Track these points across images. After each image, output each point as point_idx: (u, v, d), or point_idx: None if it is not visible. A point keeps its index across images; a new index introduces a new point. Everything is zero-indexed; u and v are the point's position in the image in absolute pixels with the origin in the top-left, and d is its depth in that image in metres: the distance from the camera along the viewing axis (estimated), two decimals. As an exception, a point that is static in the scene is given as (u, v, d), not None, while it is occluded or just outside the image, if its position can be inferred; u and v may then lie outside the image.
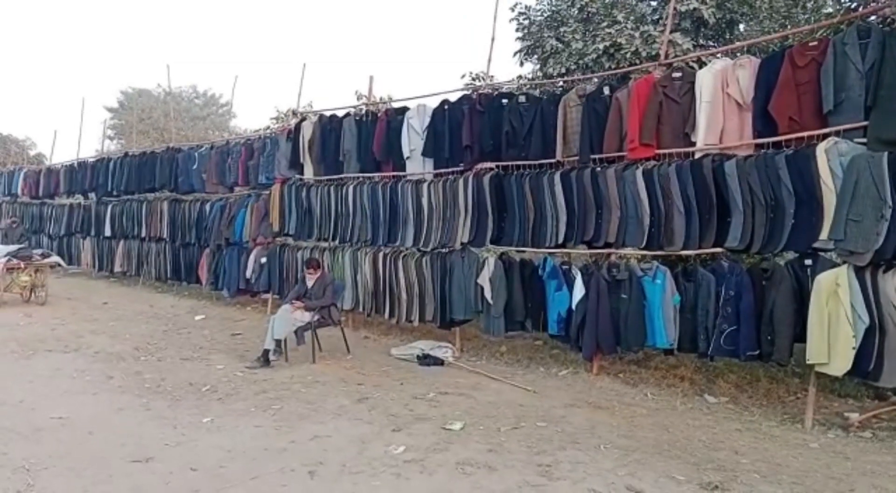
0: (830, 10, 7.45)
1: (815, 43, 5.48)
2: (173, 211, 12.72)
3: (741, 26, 9.39)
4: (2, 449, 4.59)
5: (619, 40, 8.24)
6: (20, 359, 7.37)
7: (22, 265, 11.04)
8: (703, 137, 6.07)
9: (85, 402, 5.80)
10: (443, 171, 8.13)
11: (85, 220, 15.54)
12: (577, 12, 9.63)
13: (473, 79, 10.34)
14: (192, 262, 12.24)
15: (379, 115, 8.91)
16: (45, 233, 16.82)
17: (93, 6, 58.82)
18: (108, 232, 14.53)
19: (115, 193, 14.33)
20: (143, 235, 13.48)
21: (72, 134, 31.55)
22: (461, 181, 7.77)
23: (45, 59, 56.16)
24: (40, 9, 57.00)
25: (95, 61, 56.47)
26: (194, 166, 12.17)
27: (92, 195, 15.36)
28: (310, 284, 7.68)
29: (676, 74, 6.33)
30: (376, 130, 8.77)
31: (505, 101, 7.56)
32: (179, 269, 12.67)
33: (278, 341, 7.19)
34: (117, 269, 14.42)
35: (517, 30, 10.14)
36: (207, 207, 11.88)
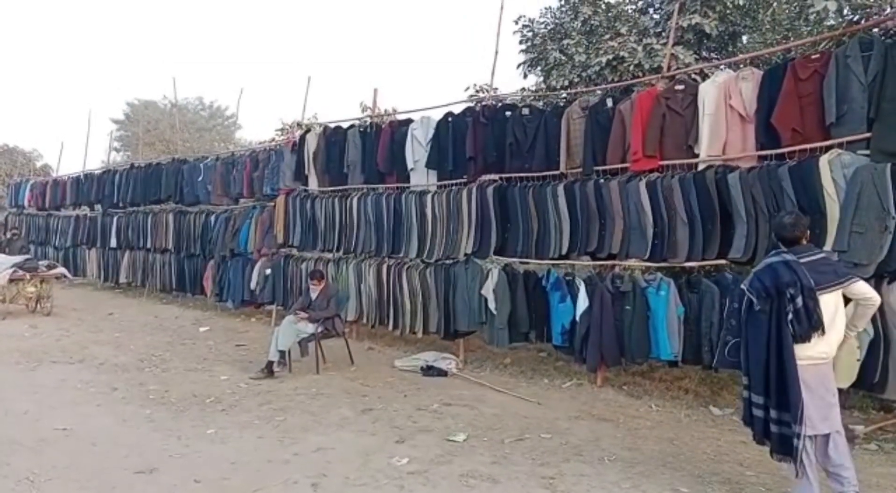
0: (833, 22, 7.44)
1: (818, 55, 5.51)
2: (178, 222, 12.77)
3: (744, 39, 9.40)
4: (6, 460, 4.60)
5: (622, 53, 8.26)
6: (25, 370, 7.39)
7: (28, 276, 11.10)
8: (707, 149, 6.09)
9: (89, 413, 5.81)
10: (446, 182, 8.16)
11: (91, 231, 15.62)
12: (580, 25, 9.66)
13: (477, 91, 10.36)
14: (197, 273, 12.27)
15: (383, 126, 8.95)
16: (51, 244, 16.91)
17: (99, 18, 59.33)
18: (113, 243, 14.60)
19: (120, 204, 14.42)
20: (149, 246, 13.53)
21: (78, 146, 31.83)
22: (465, 193, 7.79)
23: (52, 70, 56.59)
24: (47, 21, 57.51)
25: (102, 73, 56.87)
26: (199, 178, 12.23)
27: (98, 207, 15.45)
28: (314, 295, 7.70)
29: (679, 87, 6.35)
30: (380, 141, 8.81)
31: (508, 113, 7.59)
32: (184, 280, 12.70)
33: (282, 353, 7.20)
34: (122, 280, 14.49)
35: (521, 42, 10.17)
36: (212, 218, 11.93)
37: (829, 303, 3.75)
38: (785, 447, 3.75)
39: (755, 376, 3.86)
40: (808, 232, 4.01)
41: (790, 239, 3.89)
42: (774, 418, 3.77)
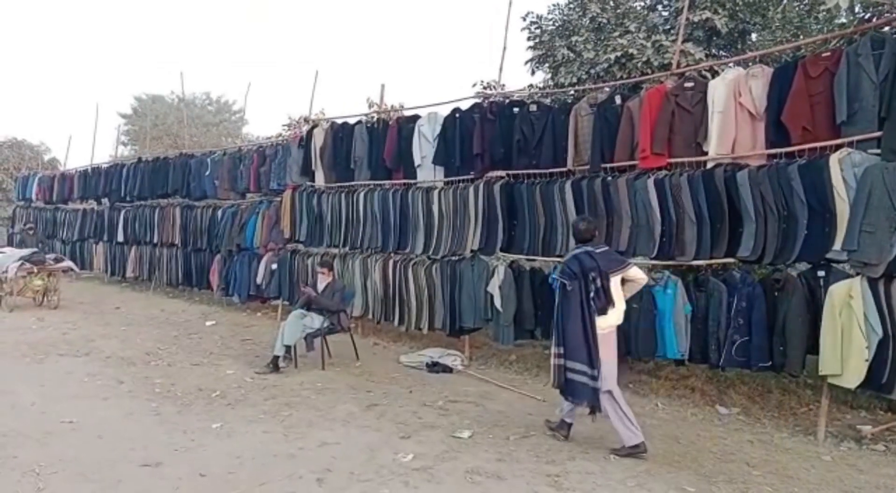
0: (844, 20, 7.40)
1: (829, 53, 5.46)
2: (185, 217, 12.79)
3: (753, 36, 9.34)
4: (12, 452, 4.62)
5: (630, 50, 8.22)
6: (32, 363, 7.43)
7: (35, 270, 11.14)
8: (716, 147, 6.05)
9: (95, 406, 5.83)
10: (453, 178, 8.14)
11: (98, 225, 15.67)
12: (588, 22, 9.62)
13: (485, 87, 10.34)
14: (204, 267, 12.29)
15: (390, 122, 8.94)
16: (58, 238, 16.96)
17: (107, 13, 59.45)
18: (120, 237, 14.63)
19: (128, 198, 14.44)
20: (156, 240, 13.56)
21: (86, 139, 31.85)
22: (472, 189, 7.77)
23: (60, 64, 56.72)
24: (56, 15, 57.68)
25: (110, 68, 56.96)
26: (207, 173, 12.25)
27: (105, 201, 15.48)
28: (321, 287, 7.70)
29: (688, 84, 6.31)
30: (387, 137, 8.79)
31: (516, 109, 7.56)
32: (191, 274, 12.73)
33: (288, 348, 7.21)
34: (129, 274, 14.51)
35: (528, 39, 10.13)
36: (219, 213, 11.95)
37: (616, 284, 4.90)
38: (597, 400, 4.76)
39: (574, 346, 4.77)
40: (597, 231, 5.50)
41: (586, 238, 5.05)
42: (591, 374, 4.72)
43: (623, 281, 4.99)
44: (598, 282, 4.78)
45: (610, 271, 4.85)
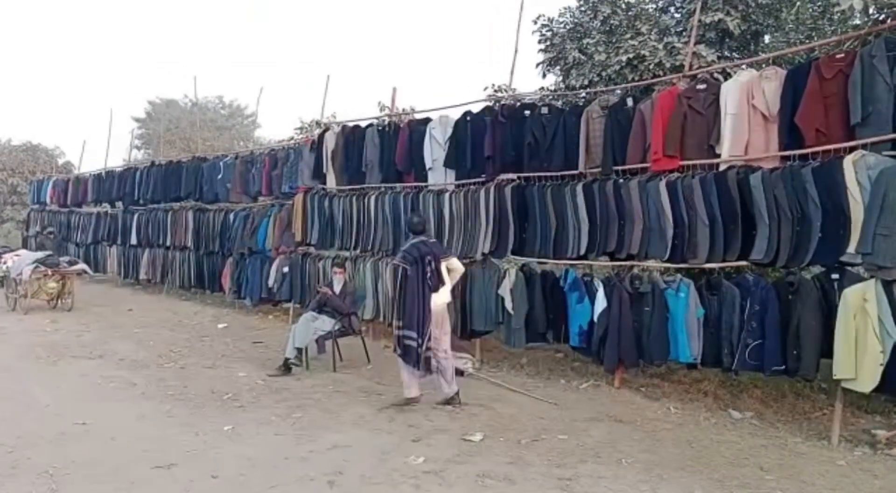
0: (858, 21, 7.33)
1: (843, 55, 5.42)
2: (198, 220, 12.87)
3: (766, 38, 9.29)
4: (26, 454, 4.66)
5: (642, 52, 8.19)
6: (46, 365, 7.49)
7: (49, 272, 11.24)
8: (728, 149, 6.02)
9: (109, 408, 5.86)
10: (465, 181, 8.14)
11: (111, 228, 15.79)
12: (599, 24, 9.60)
13: (496, 90, 10.34)
14: (216, 270, 12.36)
15: (401, 126, 8.95)
16: (72, 241, 17.11)
17: (122, 18, 59.96)
18: (134, 240, 14.74)
19: (141, 202, 14.57)
20: (168, 243, 13.65)
21: (100, 143, 32.14)
22: (483, 192, 7.77)
23: (75, 69, 57.29)
24: (70, 20, 58.23)
25: (124, 72, 57.47)
26: (219, 176, 12.32)
27: (119, 204, 15.61)
28: (338, 287, 7.70)
29: (701, 86, 6.28)
30: (399, 140, 8.81)
31: (527, 112, 7.55)
32: (203, 277, 12.79)
33: (299, 350, 7.22)
34: (142, 276, 14.62)
35: (540, 41, 10.12)
36: (231, 216, 12.01)
37: (444, 268, 6.03)
38: (427, 364, 5.84)
39: (410, 319, 5.81)
40: (426, 225, 6.94)
41: (419, 230, 6.11)
42: (422, 345, 5.77)
43: (448, 270, 6.10)
44: (433, 265, 5.87)
45: (441, 257, 6.01)
